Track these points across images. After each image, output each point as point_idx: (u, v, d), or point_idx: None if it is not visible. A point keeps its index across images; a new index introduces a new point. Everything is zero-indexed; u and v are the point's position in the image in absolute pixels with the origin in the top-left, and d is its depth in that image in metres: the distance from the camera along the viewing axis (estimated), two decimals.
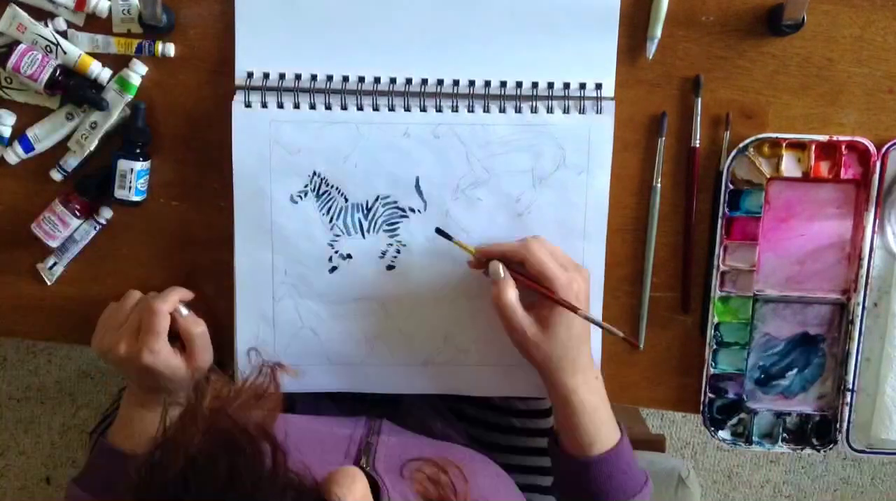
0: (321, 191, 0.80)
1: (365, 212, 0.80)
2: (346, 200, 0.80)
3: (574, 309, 0.73)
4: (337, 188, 0.79)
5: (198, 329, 0.79)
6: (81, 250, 0.84)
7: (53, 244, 0.82)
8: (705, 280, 0.83)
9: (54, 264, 0.84)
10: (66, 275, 0.85)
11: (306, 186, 0.79)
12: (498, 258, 0.76)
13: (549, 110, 0.78)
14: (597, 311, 0.81)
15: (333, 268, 0.81)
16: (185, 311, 0.79)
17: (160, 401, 0.80)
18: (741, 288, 0.82)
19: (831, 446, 0.84)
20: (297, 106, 0.78)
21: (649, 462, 1.14)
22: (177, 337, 0.79)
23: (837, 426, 0.84)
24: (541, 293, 0.74)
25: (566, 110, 0.78)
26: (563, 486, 0.82)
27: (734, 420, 0.85)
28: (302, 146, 0.79)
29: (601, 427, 0.77)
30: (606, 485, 0.78)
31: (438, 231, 0.79)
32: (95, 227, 0.83)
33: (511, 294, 0.75)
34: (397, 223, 0.80)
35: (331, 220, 0.80)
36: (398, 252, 0.81)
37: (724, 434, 0.86)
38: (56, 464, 1.76)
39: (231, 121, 0.78)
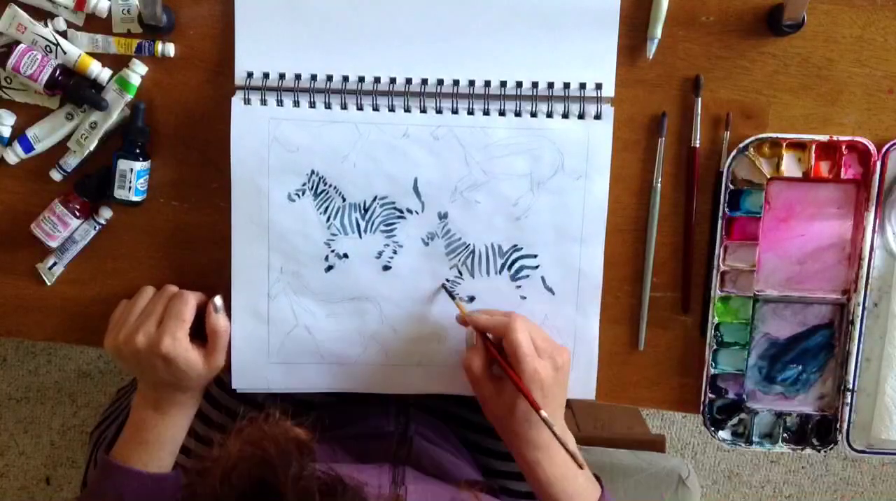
0: (319, 190, 0.80)
1: (362, 212, 0.80)
2: (344, 200, 0.80)
3: (533, 404, 0.72)
4: (335, 187, 0.79)
5: (225, 326, 0.80)
6: (81, 250, 0.84)
7: (53, 244, 0.82)
8: (705, 280, 0.83)
9: (54, 264, 0.84)
10: (66, 275, 0.85)
11: (304, 185, 0.79)
12: (482, 330, 0.76)
13: (549, 114, 0.78)
14: (596, 313, 0.82)
15: (329, 267, 0.81)
16: (220, 305, 0.79)
17: (173, 402, 0.80)
18: (741, 289, 0.82)
19: (831, 446, 0.84)
20: (296, 104, 0.78)
21: (649, 462, 1.14)
22: (194, 336, 0.79)
23: (838, 426, 0.84)
24: (510, 377, 0.74)
25: (566, 114, 0.78)
26: None
27: (734, 421, 0.85)
28: (301, 144, 0.79)
29: (573, 495, 0.76)
30: None
31: (444, 286, 0.80)
32: (95, 227, 0.83)
33: (475, 362, 0.75)
34: (394, 224, 0.80)
35: (328, 219, 0.80)
36: (394, 252, 0.81)
37: (724, 434, 0.86)
38: (56, 464, 1.76)
39: (230, 119, 0.78)
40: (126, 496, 0.77)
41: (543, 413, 0.71)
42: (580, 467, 0.70)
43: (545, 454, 0.75)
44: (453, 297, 0.80)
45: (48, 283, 0.85)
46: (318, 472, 0.54)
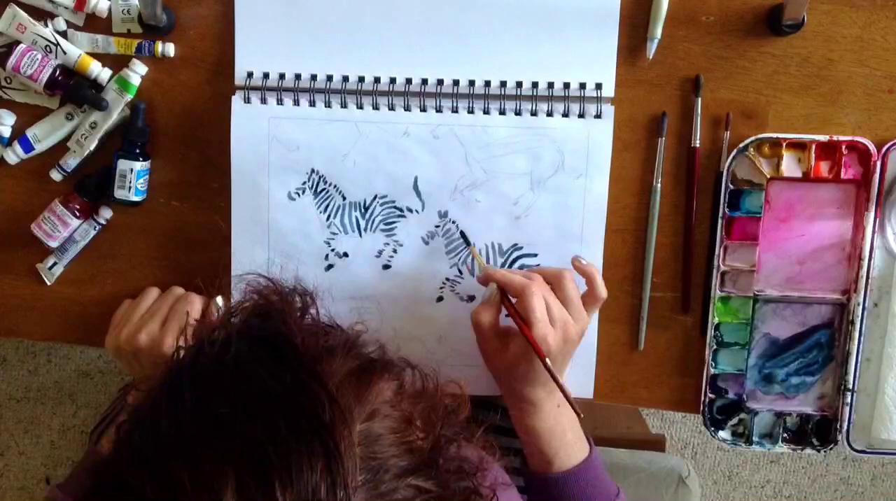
0: (319, 189, 0.80)
1: (362, 210, 0.80)
2: (344, 198, 0.80)
3: (539, 353, 0.72)
4: (335, 186, 0.80)
5: None
6: (81, 250, 0.84)
7: (53, 244, 0.82)
8: (705, 280, 0.83)
9: (54, 264, 0.84)
10: (66, 275, 0.85)
11: (304, 183, 0.79)
12: (499, 285, 0.76)
13: (549, 113, 0.78)
14: (595, 314, 0.81)
15: (329, 266, 0.81)
16: (222, 305, 0.80)
17: None
18: (741, 289, 0.82)
19: (831, 446, 0.84)
20: (296, 103, 0.78)
21: (649, 462, 1.14)
22: None
23: (837, 426, 0.84)
24: (521, 330, 0.74)
25: (566, 113, 0.78)
26: None
27: (734, 421, 0.85)
28: (301, 143, 0.79)
29: (558, 448, 0.77)
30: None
31: (462, 234, 0.80)
32: (95, 227, 0.83)
33: (486, 315, 0.75)
34: (394, 223, 0.80)
35: (328, 218, 0.80)
36: (395, 251, 0.81)
37: (724, 434, 0.86)
38: (56, 464, 1.76)
39: (230, 118, 0.78)
40: None
41: (548, 361, 0.72)
42: (578, 415, 0.74)
43: (537, 408, 0.76)
44: (469, 243, 0.79)
45: (48, 283, 0.85)
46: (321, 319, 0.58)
